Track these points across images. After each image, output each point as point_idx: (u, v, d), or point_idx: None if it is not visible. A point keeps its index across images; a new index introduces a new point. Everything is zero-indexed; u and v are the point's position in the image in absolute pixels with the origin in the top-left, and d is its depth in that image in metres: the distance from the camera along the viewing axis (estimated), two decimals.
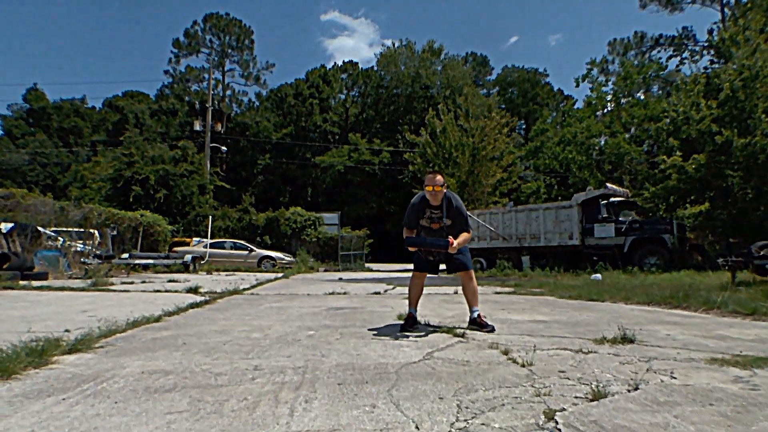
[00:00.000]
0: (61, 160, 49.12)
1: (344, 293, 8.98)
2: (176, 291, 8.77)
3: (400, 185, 45.31)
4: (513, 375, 2.72)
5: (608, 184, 17.72)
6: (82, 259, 12.96)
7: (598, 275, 12.97)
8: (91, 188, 39.82)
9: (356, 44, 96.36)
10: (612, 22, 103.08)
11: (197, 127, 30.14)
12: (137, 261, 15.43)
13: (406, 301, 4.91)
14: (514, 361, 3.06)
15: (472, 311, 4.56)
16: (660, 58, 25.62)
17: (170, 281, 12.01)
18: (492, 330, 4.30)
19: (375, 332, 4.38)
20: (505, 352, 3.32)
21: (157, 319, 5.06)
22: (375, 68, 51.89)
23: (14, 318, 5.18)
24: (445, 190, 4.53)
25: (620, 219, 16.46)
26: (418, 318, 4.80)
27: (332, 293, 8.93)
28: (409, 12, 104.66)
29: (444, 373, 2.77)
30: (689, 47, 25.92)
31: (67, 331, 4.36)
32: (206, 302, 6.95)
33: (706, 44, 24.70)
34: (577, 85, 27.53)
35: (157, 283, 11.51)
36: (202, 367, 2.97)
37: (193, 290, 8.65)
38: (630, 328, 4.15)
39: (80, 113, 55.67)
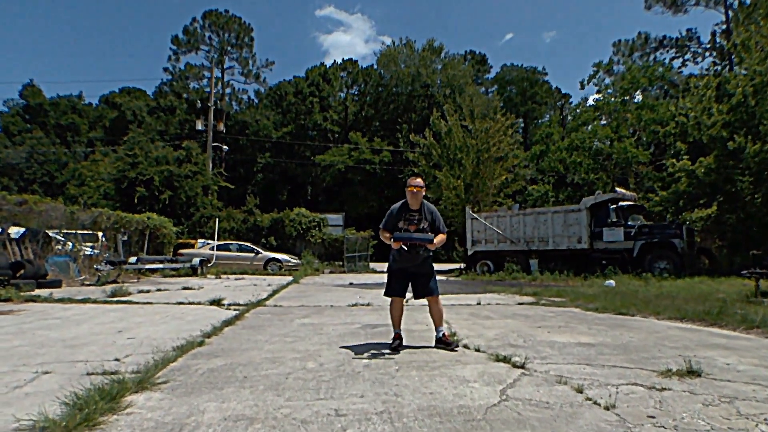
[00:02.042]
0: (59, 158, 48.69)
1: (367, 304, 8.94)
2: (199, 303, 8.69)
3: (400, 184, 45.21)
4: (604, 422, 2.69)
5: (617, 188, 17.74)
6: (95, 266, 12.85)
7: (611, 282, 13.01)
8: (89, 186, 39.54)
9: (352, 40, 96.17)
10: (607, 19, 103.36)
11: (199, 126, 29.90)
12: (147, 266, 15.31)
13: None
14: (595, 403, 3.03)
15: (438, 330, 5.12)
16: (664, 60, 25.74)
17: (185, 288, 11.95)
18: (456, 347, 4.84)
19: (429, 361, 4.35)
20: (579, 390, 3.29)
21: (200, 343, 5.00)
22: (375, 66, 51.75)
23: (54, 342, 5.11)
24: (423, 192, 5.04)
25: (629, 223, 16.51)
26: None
27: (355, 305, 8.89)
28: (405, 8, 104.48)
29: (533, 420, 2.74)
30: (692, 49, 26.00)
31: (116, 360, 4.30)
32: (236, 318, 6.90)
33: (708, 46, 24.85)
34: (582, 87, 27.55)
35: (173, 290, 11.44)
36: (281, 411, 2.92)
37: (216, 302, 8.60)
38: (684, 356, 4.15)
39: (77, 110, 55.16)
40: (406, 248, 4.94)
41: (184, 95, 51.23)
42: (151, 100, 53.25)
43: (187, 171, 23.75)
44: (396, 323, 5.18)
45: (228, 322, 6.45)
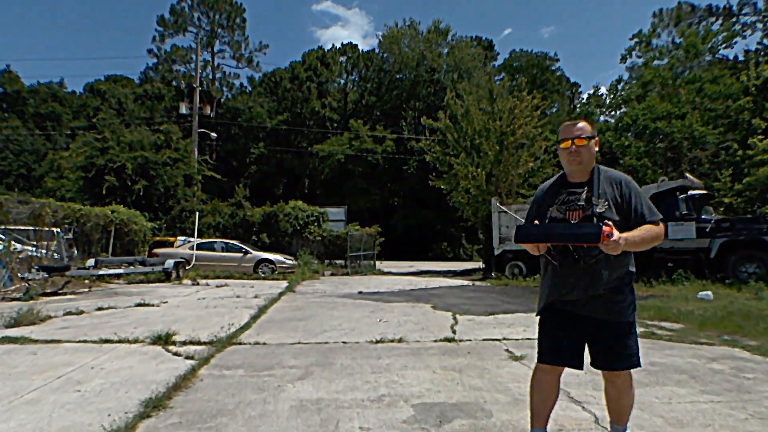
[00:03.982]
0: (37, 148, 45.28)
1: (399, 340, 5.81)
2: (136, 341, 5.54)
3: (404, 176, 42.02)
4: None
5: (687, 175, 14.58)
6: (20, 274, 9.66)
7: (708, 293, 9.90)
8: (68, 179, 36.24)
9: (350, 35, 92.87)
10: (605, 14, 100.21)
11: (183, 110, 26.60)
12: (102, 271, 12.11)
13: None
14: None
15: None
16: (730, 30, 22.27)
17: (139, 305, 8.80)
18: None
19: None
20: None
21: None
22: (376, 51, 48.38)
23: None
24: (595, 149, 2.45)
25: (703, 217, 13.40)
26: None
27: (381, 340, 5.76)
28: (403, 3, 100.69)
29: None
30: (741, 20, 22.81)
31: None
32: (177, 386, 3.78)
33: (766, 15, 21.66)
34: (623, 60, 24.32)
35: (120, 309, 8.29)
36: None
37: (164, 339, 5.46)
38: None
39: (58, 98, 51.54)
40: (553, 255, 2.37)
41: (173, 83, 47.80)
42: (137, 87, 49.78)
43: (166, 158, 20.47)
44: (540, 417, 2.50)
45: (155, 404, 3.32)
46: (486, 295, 11.54)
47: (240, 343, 5.56)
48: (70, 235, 12.41)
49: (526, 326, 6.85)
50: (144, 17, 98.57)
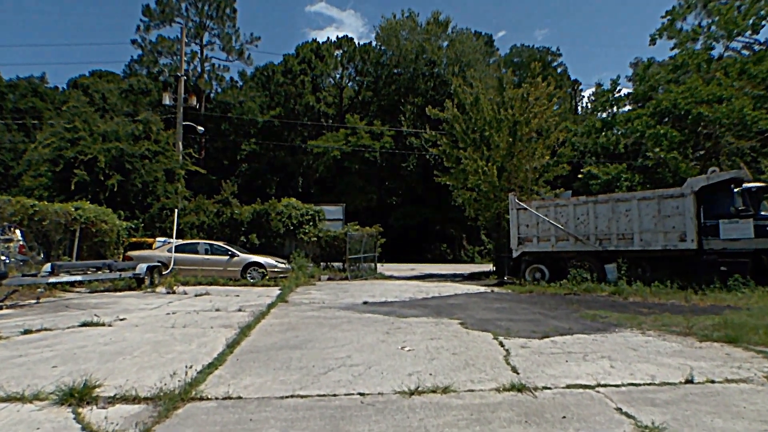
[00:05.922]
0: (16, 145, 42.92)
1: (445, 390, 3.86)
2: (36, 398, 3.55)
3: (403, 174, 40.09)
4: None
5: (742, 165, 12.73)
6: None
7: None
8: (46, 176, 34.01)
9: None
10: (599, 16, 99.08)
11: (166, 100, 24.47)
12: (54, 279, 10.05)
13: None
14: None
15: None
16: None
17: (85, 324, 6.81)
18: None
19: None
20: None
21: None
22: (373, 44, 46.34)
23: None
24: None
25: (762, 213, 11.57)
26: None
27: (417, 390, 3.83)
28: (398, 5, 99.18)
29: None
30: None
31: None
32: None
33: None
34: (653, 42, 22.40)
35: (54, 333, 6.29)
36: None
37: (79, 396, 3.46)
38: None
39: (39, 93, 49.18)
40: None
41: (160, 77, 45.53)
42: (123, 81, 47.48)
43: (144, 150, 18.37)
44: None
45: None
46: (516, 306, 9.64)
47: (201, 398, 3.59)
48: (19, 235, 10.37)
49: (609, 358, 4.92)
50: (130, 10, 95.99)
